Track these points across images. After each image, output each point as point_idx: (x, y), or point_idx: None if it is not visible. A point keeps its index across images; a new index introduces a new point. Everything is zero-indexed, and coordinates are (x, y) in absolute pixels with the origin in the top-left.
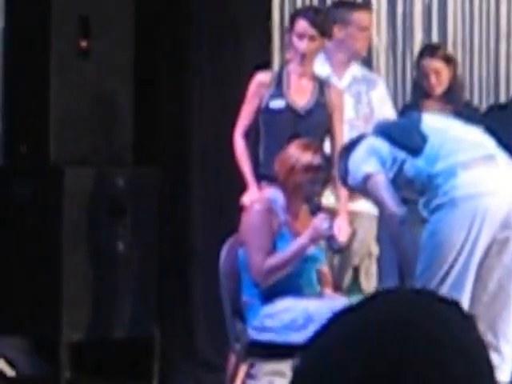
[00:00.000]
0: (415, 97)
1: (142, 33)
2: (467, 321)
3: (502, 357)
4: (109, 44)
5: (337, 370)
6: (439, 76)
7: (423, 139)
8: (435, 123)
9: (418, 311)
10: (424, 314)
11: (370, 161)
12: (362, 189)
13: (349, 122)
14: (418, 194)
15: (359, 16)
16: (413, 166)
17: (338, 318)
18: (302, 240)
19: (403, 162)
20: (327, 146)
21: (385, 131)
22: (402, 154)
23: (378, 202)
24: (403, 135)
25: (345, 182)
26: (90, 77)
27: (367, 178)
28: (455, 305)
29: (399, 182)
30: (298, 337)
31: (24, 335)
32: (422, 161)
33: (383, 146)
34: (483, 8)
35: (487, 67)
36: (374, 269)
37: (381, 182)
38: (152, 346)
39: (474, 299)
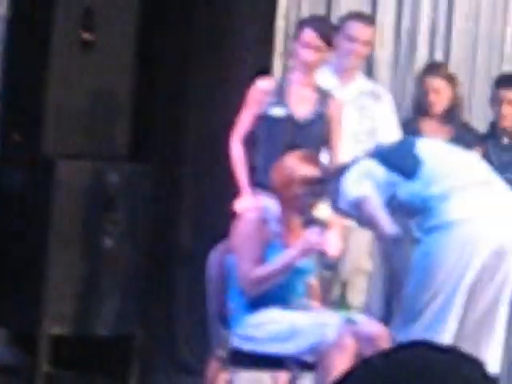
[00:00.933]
0: (414, 114)
1: (144, 30)
2: (489, 382)
3: None
4: (111, 38)
5: None
6: (440, 95)
7: (418, 163)
8: (431, 147)
9: (444, 368)
10: (449, 372)
11: (365, 183)
12: (353, 211)
13: (353, 136)
14: (411, 217)
15: (353, 26)
16: (407, 189)
17: (367, 363)
18: (292, 252)
19: (397, 185)
20: (324, 158)
21: (380, 154)
22: (396, 178)
23: (372, 222)
24: (398, 158)
25: (335, 205)
26: (91, 70)
27: (361, 199)
28: (480, 365)
29: (393, 205)
30: (282, 348)
31: (5, 325)
32: (417, 184)
33: (377, 168)
34: (488, 29)
35: (489, 89)
36: (363, 284)
37: (374, 203)
38: (133, 345)
39: (462, 323)
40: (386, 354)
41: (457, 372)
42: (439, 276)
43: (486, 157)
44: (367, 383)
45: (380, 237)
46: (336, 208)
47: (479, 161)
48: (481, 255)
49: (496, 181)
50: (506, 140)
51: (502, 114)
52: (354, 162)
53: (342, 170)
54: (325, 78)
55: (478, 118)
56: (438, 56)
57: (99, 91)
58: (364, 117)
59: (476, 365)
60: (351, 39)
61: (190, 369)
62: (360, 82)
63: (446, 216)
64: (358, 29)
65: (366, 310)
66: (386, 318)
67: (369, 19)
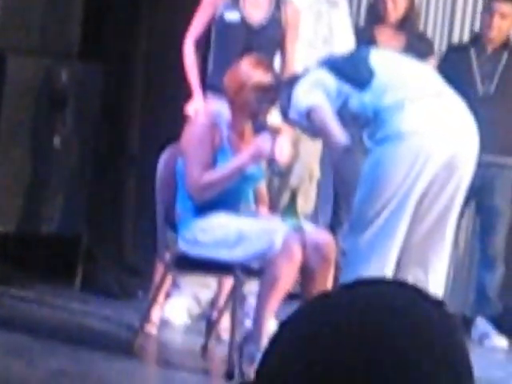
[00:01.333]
0: (369, 20)
1: None
2: (451, 321)
3: (428, 287)
4: None
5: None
6: (396, 3)
7: (370, 74)
8: (383, 58)
9: (400, 304)
10: (407, 307)
11: (315, 92)
12: (304, 121)
13: (307, 41)
14: (362, 127)
15: None
16: (358, 99)
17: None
18: (242, 157)
19: (348, 96)
20: (278, 63)
21: (331, 64)
22: (347, 88)
23: (323, 131)
24: (350, 69)
25: (286, 115)
26: None
27: (312, 108)
28: (440, 304)
29: (344, 115)
30: (229, 254)
31: None
32: (369, 95)
33: (329, 78)
34: None
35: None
36: (313, 192)
37: (326, 112)
38: (78, 244)
39: (410, 232)
40: (346, 288)
41: (417, 308)
42: (389, 186)
43: (467, 63)
44: (329, 319)
45: (331, 146)
46: (286, 118)
47: (432, 72)
48: (432, 166)
49: (448, 92)
50: (489, 50)
51: (492, 24)
52: (305, 71)
53: (294, 79)
54: None
55: (433, 29)
56: None
57: None
58: (319, 23)
59: (438, 305)
60: None
61: (138, 270)
62: None
63: (398, 127)
64: None
65: (314, 217)
66: (334, 226)
67: None
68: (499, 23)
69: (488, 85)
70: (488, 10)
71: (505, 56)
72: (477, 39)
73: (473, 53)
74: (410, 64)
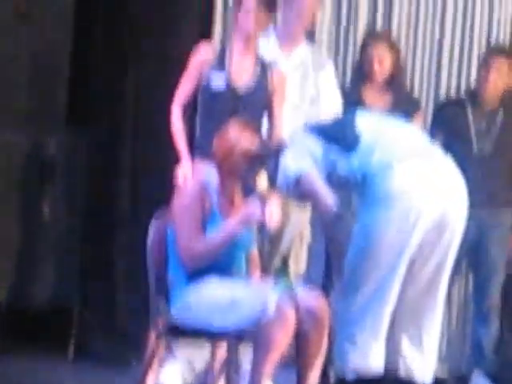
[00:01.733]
0: (355, 80)
1: None
2: None
3: (424, 354)
4: (47, 7)
5: None
6: (382, 62)
7: (357, 137)
8: (370, 121)
9: None
10: None
11: (303, 159)
12: (293, 188)
13: (294, 102)
14: (351, 191)
15: None
16: (346, 163)
17: None
18: (232, 223)
19: (336, 161)
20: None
21: (318, 130)
22: (335, 152)
23: (312, 197)
24: (336, 133)
25: (273, 183)
26: (27, 38)
27: (301, 175)
28: None
29: (332, 179)
30: (222, 320)
31: None
32: (356, 158)
33: (316, 144)
34: None
35: (430, 57)
36: (304, 254)
37: (314, 178)
38: (71, 314)
39: (402, 293)
40: None
41: None
42: (380, 248)
43: (463, 119)
44: None
45: (321, 211)
46: (274, 186)
47: (418, 132)
48: (422, 227)
49: (435, 151)
50: (485, 106)
51: (488, 79)
52: (292, 138)
53: (280, 147)
54: (267, 45)
55: (419, 86)
56: (380, 23)
57: (37, 58)
58: (306, 85)
59: None
60: (298, 5)
61: (131, 339)
62: (303, 49)
63: (386, 189)
64: None
65: (306, 279)
66: (325, 289)
67: None
68: (496, 79)
69: (483, 143)
70: (484, 66)
71: (500, 114)
72: (473, 94)
73: (469, 109)
74: (397, 125)
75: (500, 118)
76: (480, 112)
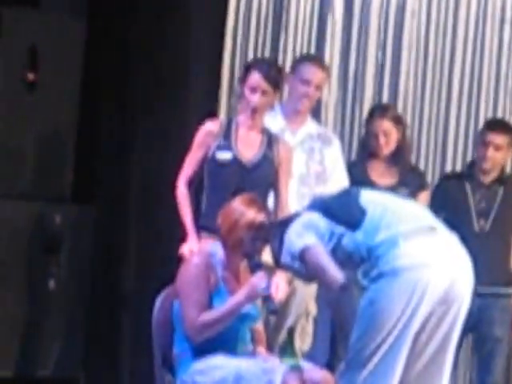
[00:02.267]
0: (361, 155)
1: (90, 74)
2: None
3: None
4: (56, 78)
5: None
6: (387, 137)
7: (362, 213)
8: (374, 197)
9: None
10: None
11: (308, 234)
12: (297, 264)
13: (299, 178)
14: (357, 266)
15: (303, 68)
16: (351, 239)
17: None
18: (238, 297)
19: (341, 236)
20: (271, 202)
21: (321, 206)
22: (339, 229)
23: (318, 271)
24: (341, 210)
25: (278, 260)
26: (35, 110)
27: (306, 249)
28: None
29: (337, 254)
30: None
31: None
32: (361, 234)
33: (321, 220)
34: (436, 70)
35: (435, 132)
36: (310, 328)
37: (320, 252)
38: None
39: (407, 369)
40: None
41: None
42: (386, 323)
43: (463, 197)
44: None
45: (327, 285)
46: (278, 262)
47: (423, 209)
48: (428, 301)
49: (440, 227)
50: (484, 182)
51: (486, 156)
52: (296, 215)
53: (284, 223)
54: (273, 121)
55: (425, 161)
56: (385, 98)
57: (44, 132)
58: (312, 160)
59: None
60: (305, 82)
61: None
62: (309, 126)
63: (392, 264)
64: (311, 72)
65: (312, 354)
66: (331, 364)
67: (322, 62)
68: (494, 155)
69: (484, 221)
70: (482, 142)
71: (500, 192)
72: (471, 171)
73: (468, 186)
74: (402, 202)
75: (500, 196)
76: (479, 189)
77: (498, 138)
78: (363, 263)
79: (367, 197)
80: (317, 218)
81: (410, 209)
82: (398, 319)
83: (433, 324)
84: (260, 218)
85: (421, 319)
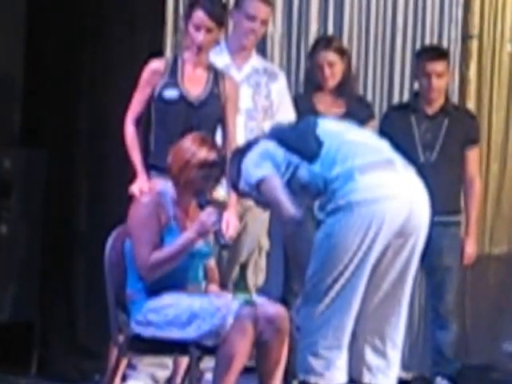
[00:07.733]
0: (307, 88)
1: (34, 14)
2: None
3: (388, 362)
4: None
5: None
6: (333, 68)
7: (318, 144)
8: (331, 128)
9: None
10: None
11: (264, 165)
12: (254, 193)
13: (246, 113)
14: (312, 199)
15: (248, 4)
16: (308, 170)
17: None
18: (188, 234)
19: (297, 167)
20: (219, 138)
21: (279, 136)
22: (296, 159)
23: (274, 204)
24: (298, 140)
25: (235, 187)
26: None
27: (261, 181)
28: None
29: (293, 186)
30: (182, 333)
31: None
32: (318, 166)
33: (277, 150)
34: (380, 1)
35: (382, 63)
36: (263, 263)
37: (276, 185)
38: (32, 331)
39: (365, 301)
40: None
41: None
42: (342, 257)
43: (408, 128)
44: None
45: (282, 219)
46: (237, 190)
47: (380, 140)
48: (385, 234)
49: (397, 160)
50: (429, 114)
51: (432, 86)
52: (255, 142)
53: (242, 151)
54: (219, 57)
55: (372, 92)
56: (330, 30)
57: None
58: (258, 94)
59: None
60: (250, 18)
61: (93, 353)
62: (254, 61)
63: (347, 198)
64: (256, 7)
65: (265, 289)
66: (286, 299)
67: None
68: (438, 83)
69: (429, 153)
70: (424, 73)
71: (445, 123)
72: (416, 102)
73: (413, 118)
74: (358, 132)
75: (444, 128)
76: (424, 121)
77: (439, 66)
78: (319, 196)
79: (324, 127)
80: (274, 148)
81: (368, 140)
82: (355, 253)
83: (390, 257)
84: (211, 156)
85: (378, 253)
